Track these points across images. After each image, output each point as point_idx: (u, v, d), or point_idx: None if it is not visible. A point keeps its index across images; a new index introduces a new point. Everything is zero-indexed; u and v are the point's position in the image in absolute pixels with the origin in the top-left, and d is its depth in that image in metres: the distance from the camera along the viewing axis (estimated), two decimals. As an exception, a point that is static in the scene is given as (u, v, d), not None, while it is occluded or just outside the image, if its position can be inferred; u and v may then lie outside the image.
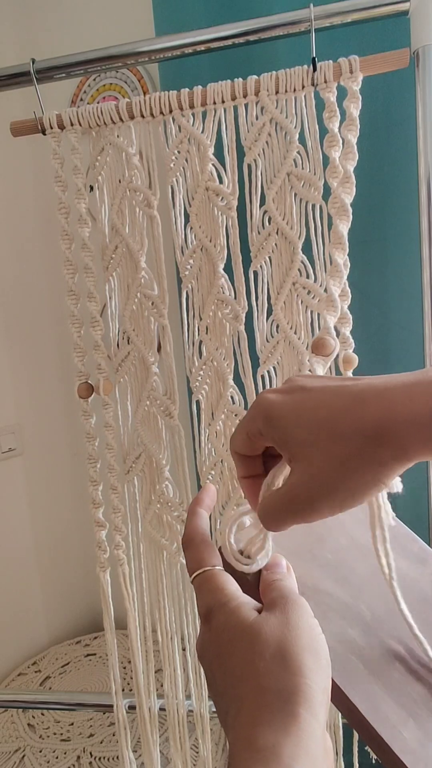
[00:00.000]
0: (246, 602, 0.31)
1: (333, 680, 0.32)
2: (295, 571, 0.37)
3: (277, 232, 0.66)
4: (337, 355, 0.65)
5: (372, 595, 0.37)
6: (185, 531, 0.36)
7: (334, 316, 0.60)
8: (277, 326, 0.68)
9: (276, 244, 0.67)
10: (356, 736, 0.79)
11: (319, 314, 0.67)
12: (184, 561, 0.75)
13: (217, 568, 0.33)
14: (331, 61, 0.62)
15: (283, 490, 0.32)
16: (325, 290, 0.66)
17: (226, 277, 0.68)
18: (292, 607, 0.30)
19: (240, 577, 0.36)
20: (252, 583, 0.35)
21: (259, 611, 0.30)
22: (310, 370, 0.68)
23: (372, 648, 0.34)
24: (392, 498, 0.46)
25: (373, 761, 0.79)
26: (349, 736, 0.79)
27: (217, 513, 0.74)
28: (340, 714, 0.76)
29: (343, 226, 0.61)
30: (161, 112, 0.67)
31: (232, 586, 0.32)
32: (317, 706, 0.26)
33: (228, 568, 0.36)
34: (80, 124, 0.69)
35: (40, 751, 1.06)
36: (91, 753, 1.05)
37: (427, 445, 0.27)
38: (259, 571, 0.35)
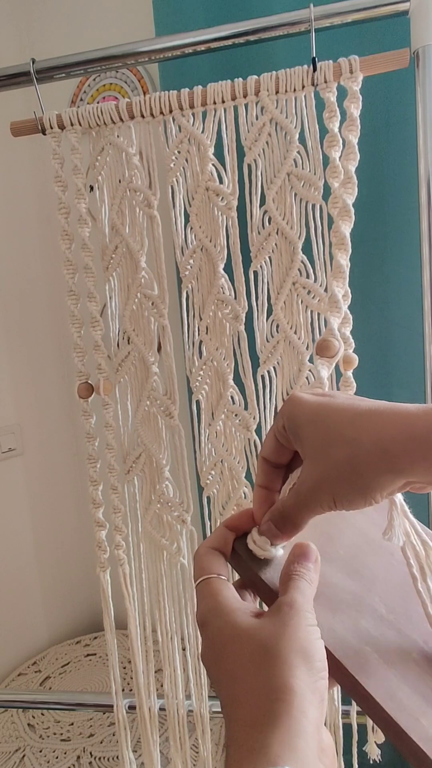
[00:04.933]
0: (239, 608, 0.31)
1: (346, 669, 0.32)
2: None
3: (277, 232, 0.66)
4: (337, 355, 0.65)
5: (386, 588, 0.37)
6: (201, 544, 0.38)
7: (338, 318, 0.60)
8: (277, 326, 0.68)
9: (276, 244, 0.67)
10: (356, 736, 0.79)
11: (319, 314, 0.67)
12: (184, 561, 0.76)
13: (218, 576, 0.34)
14: (331, 61, 0.62)
15: (296, 487, 0.34)
16: (326, 290, 0.66)
17: (226, 277, 0.68)
18: (294, 614, 0.30)
19: (252, 578, 0.36)
20: (262, 587, 0.36)
21: (255, 616, 0.31)
22: (310, 371, 0.68)
23: (387, 639, 0.34)
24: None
25: (371, 761, 0.79)
26: (349, 737, 0.79)
27: (216, 513, 0.74)
28: (340, 714, 0.76)
29: (346, 227, 0.61)
30: (161, 112, 0.67)
31: (228, 592, 0.33)
32: (308, 705, 0.26)
33: (243, 565, 0.36)
34: (80, 124, 0.69)
35: (40, 751, 1.06)
36: (91, 753, 1.05)
37: (416, 461, 0.29)
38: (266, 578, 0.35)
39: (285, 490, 0.36)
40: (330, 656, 0.32)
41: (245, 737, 0.26)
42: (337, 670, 0.32)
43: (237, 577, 0.38)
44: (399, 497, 0.36)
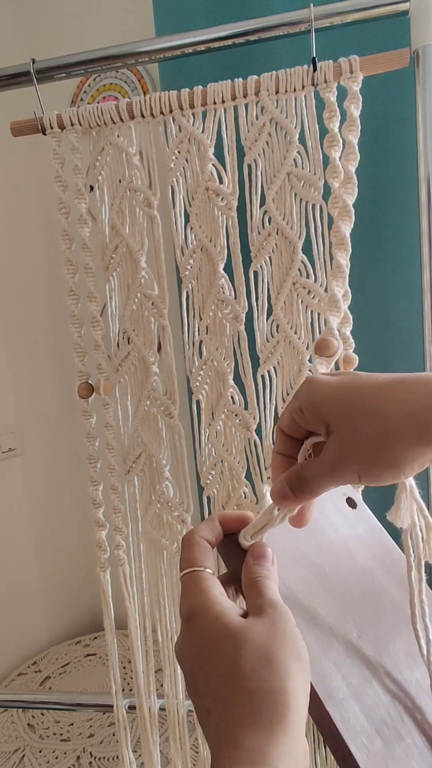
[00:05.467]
0: (229, 607, 0.31)
1: (311, 685, 0.32)
2: (290, 575, 0.38)
3: (277, 232, 0.66)
4: (337, 355, 0.65)
5: (361, 613, 0.38)
6: (188, 531, 0.37)
7: (338, 317, 0.60)
8: (277, 326, 0.68)
9: (276, 244, 0.67)
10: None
11: (319, 314, 0.67)
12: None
13: (205, 570, 0.33)
14: (331, 61, 0.62)
15: (317, 459, 0.34)
16: (326, 290, 0.66)
17: (226, 277, 0.68)
18: (279, 615, 0.30)
19: (239, 573, 0.36)
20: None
21: (242, 615, 0.31)
22: (310, 371, 0.68)
23: (353, 663, 0.35)
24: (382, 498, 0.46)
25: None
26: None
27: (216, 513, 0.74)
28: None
29: (346, 227, 0.61)
30: (161, 112, 0.67)
31: (217, 590, 0.32)
32: (301, 708, 0.27)
33: (233, 560, 0.36)
34: (80, 124, 0.69)
35: (40, 751, 1.06)
36: (91, 753, 1.05)
37: None
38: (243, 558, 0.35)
39: (301, 455, 0.36)
40: None
41: (241, 738, 0.26)
42: None
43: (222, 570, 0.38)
44: (411, 481, 0.35)
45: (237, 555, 0.36)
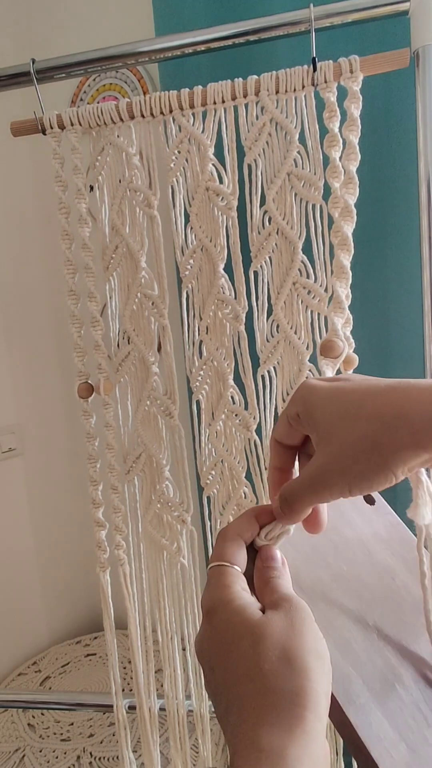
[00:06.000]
0: (250, 602, 0.31)
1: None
2: (307, 577, 0.37)
3: (277, 232, 0.66)
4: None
5: (382, 612, 0.37)
6: (225, 526, 0.37)
7: (342, 318, 0.60)
8: (278, 326, 0.68)
9: (276, 244, 0.67)
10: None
11: (319, 314, 0.67)
12: (184, 561, 0.76)
13: (233, 567, 0.33)
14: (331, 61, 0.62)
15: (302, 472, 0.33)
16: (326, 290, 0.66)
17: (227, 277, 0.68)
18: (296, 610, 0.30)
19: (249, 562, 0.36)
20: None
21: (262, 611, 0.30)
22: (310, 371, 0.68)
23: (374, 666, 0.34)
24: (395, 497, 0.46)
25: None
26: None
27: (217, 513, 0.74)
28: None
29: (348, 228, 0.61)
30: (161, 112, 0.67)
31: (240, 585, 0.32)
32: (321, 710, 0.26)
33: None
34: (80, 124, 0.69)
35: (40, 751, 1.06)
36: (91, 753, 1.05)
37: None
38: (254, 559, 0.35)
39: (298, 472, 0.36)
40: None
41: (259, 739, 0.25)
42: None
43: None
44: (424, 476, 0.35)
45: (250, 557, 0.35)
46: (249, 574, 0.35)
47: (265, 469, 0.71)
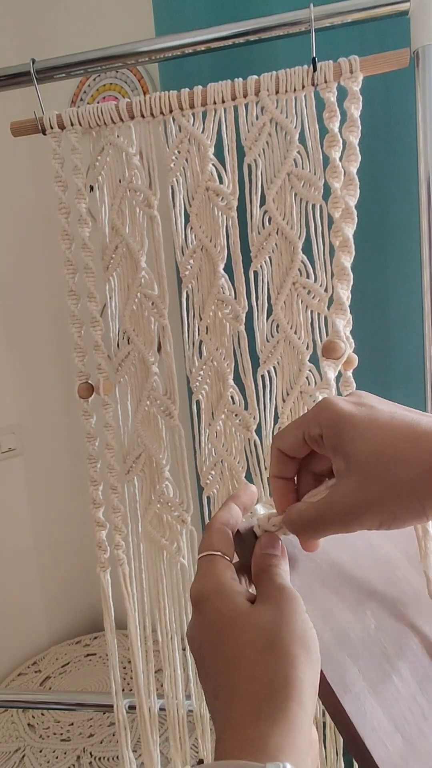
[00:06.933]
0: (240, 591, 0.31)
1: (325, 678, 0.32)
2: (306, 565, 0.37)
3: (277, 232, 0.66)
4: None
5: (380, 604, 0.37)
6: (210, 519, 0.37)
7: (344, 319, 0.60)
8: (277, 326, 0.68)
9: (276, 244, 0.67)
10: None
11: (319, 314, 0.67)
12: (184, 561, 0.76)
13: (222, 556, 0.33)
14: (331, 61, 0.62)
15: (326, 499, 0.33)
16: (326, 290, 0.66)
17: (226, 277, 0.68)
18: (287, 600, 0.30)
19: (246, 549, 0.36)
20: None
21: (252, 600, 0.31)
22: (310, 371, 0.68)
23: (371, 656, 0.34)
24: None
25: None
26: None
27: (217, 513, 0.74)
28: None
29: (349, 230, 0.61)
30: (161, 112, 0.67)
31: (229, 574, 0.32)
32: (306, 699, 0.27)
33: (246, 550, 0.36)
34: (80, 124, 0.69)
35: (40, 751, 1.06)
36: (91, 753, 1.05)
37: None
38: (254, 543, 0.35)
39: (313, 494, 0.35)
40: None
41: (243, 726, 0.26)
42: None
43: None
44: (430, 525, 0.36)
45: (249, 544, 0.35)
46: (246, 562, 0.35)
47: (265, 469, 0.71)
